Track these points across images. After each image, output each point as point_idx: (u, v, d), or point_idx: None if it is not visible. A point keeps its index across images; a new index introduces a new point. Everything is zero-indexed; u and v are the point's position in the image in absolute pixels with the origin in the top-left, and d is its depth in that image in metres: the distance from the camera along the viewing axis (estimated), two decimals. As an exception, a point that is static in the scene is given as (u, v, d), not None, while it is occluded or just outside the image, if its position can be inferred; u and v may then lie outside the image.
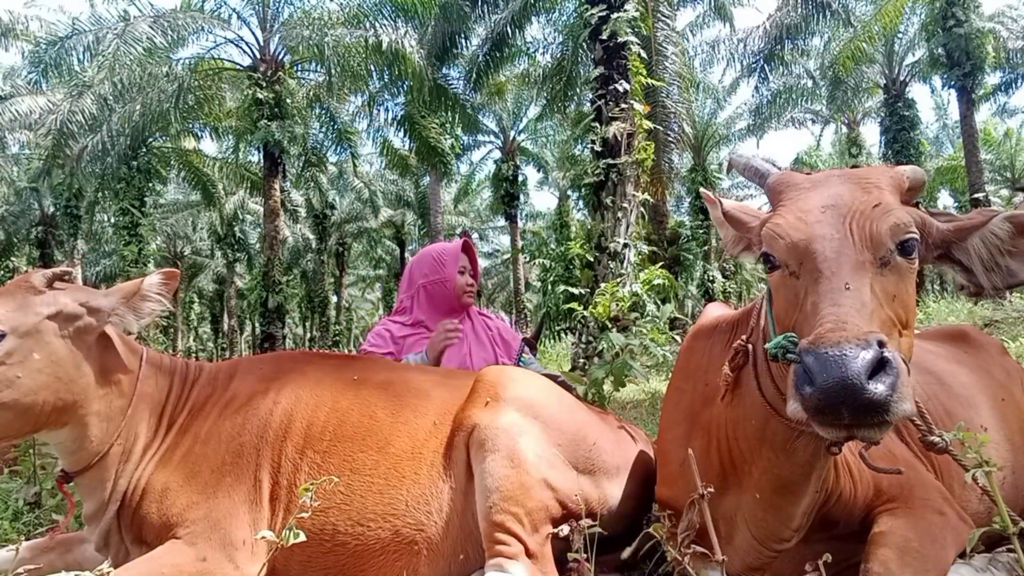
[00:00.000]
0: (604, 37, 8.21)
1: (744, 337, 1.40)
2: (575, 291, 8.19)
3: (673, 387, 1.73)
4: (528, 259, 24.04)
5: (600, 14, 8.21)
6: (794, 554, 1.44)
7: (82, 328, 1.53)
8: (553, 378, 2.66)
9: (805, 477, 1.33)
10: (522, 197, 23.30)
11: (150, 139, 15.04)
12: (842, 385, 0.90)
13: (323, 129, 16.41)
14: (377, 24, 12.22)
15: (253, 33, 13.57)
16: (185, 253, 28.62)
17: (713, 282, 20.05)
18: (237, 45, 13.63)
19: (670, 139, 12.07)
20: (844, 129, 22.19)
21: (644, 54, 8.70)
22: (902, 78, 17.45)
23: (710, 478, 1.41)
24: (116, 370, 1.60)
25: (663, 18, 11.59)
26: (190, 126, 15.69)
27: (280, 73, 13.39)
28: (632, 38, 8.23)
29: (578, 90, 12.67)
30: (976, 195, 14.81)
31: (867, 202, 1.12)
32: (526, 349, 2.92)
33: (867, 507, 1.45)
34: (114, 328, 1.62)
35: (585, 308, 5.81)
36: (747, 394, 1.37)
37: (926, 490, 1.45)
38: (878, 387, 0.91)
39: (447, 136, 16.00)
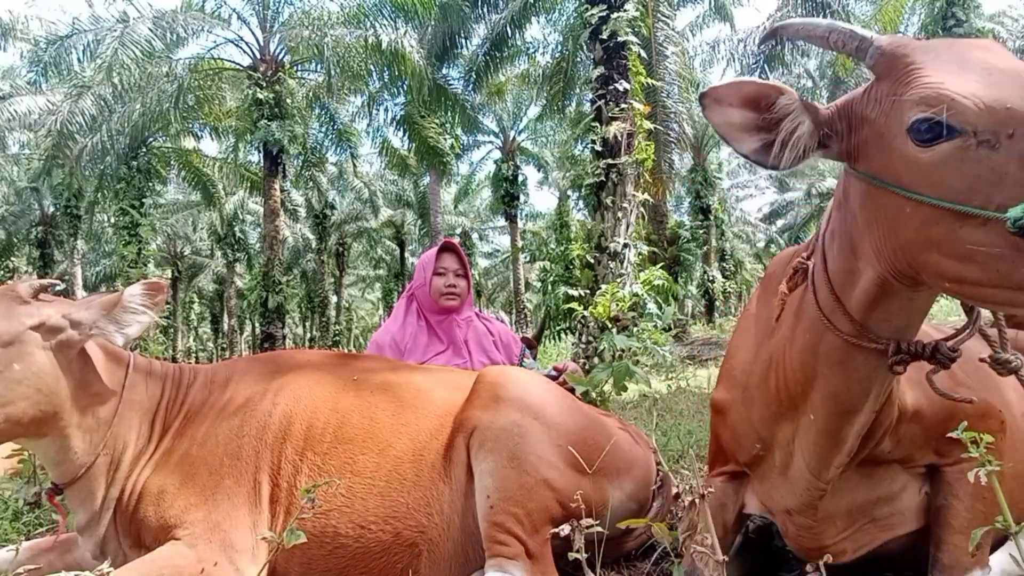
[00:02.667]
0: (604, 37, 8.22)
1: (804, 255, 1.28)
2: (575, 291, 8.19)
3: (749, 311, 1.65)
4: (528, 259, 24.04)
5: (600, 14, 8.21)
6: (841, 497, 1.40)
7: (64, 341, 1.51)
8: (556, 376, 2.67)
9: (862, 395, 1.23)
10: (522, 197, 23.31)
11: (150, 139, 15.07)
12: None
13: (323, 129, 16.44)
14: (377, 24, 12.23)
15: (253, 33, 13.59)
16: (185, 253, 28.63)
17: (713, 282, 20.07)
18: (237, 45, 13.66)
19: (670, 139, 12.08)
20: (844, 129, 22.15)
21: (644, 54, 8.72)
22: (902, 78, 17.43)
23: (769, 405, 1.38)
24: (98, 381, 1.57)
25: (663, 18, 11.61)
26: (190, 126, 15.72)
27: (280, 73, 13.40)
28: (632, 38, 8.24)
29: (578, 90, 12.70)
30: (976, 195, 14.80)
31: None
32: (527, 352, 2.92)
33: (938, 430, 1.36)
34: (95, 340, 1.59)
35: (585, 308, 5.81)
36: (804, 311, 1.27)
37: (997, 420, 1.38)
38: None
39: (447, 136, 16.02)
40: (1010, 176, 0.90)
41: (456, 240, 2.91)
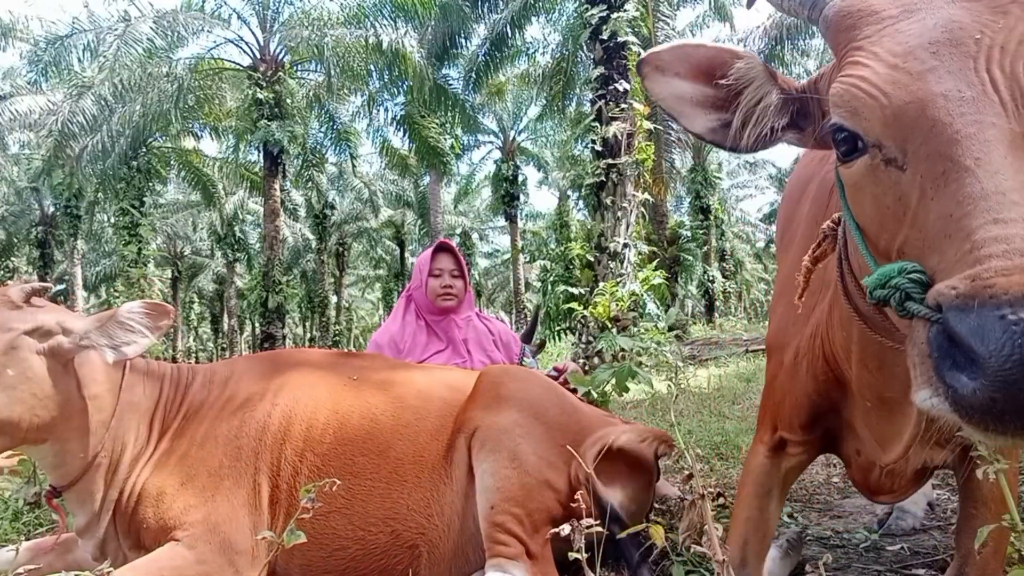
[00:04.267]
0: (604, 37, 8.21)
1: (835, 217, 0.99)
2: (575, 291, 8.19)
3: (790, 209, 1.37)
4: (528, 259, 24.04)
5: (600, 14, 8.21)
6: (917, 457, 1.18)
7: (55, 347, 1.49)
8: (556, 376, 2.67)
9: (908, 398, 1.00)
10: (522, 197, 23.30)
11: (150, 139, 15.04)
12: None
13: (323, 129, 16.42)
14: (377, 24, 12.23)
15: (253, 33, 13.59)
16: (185, 253, 28.61)
17: (713, 282, 20.04)
18: (237, 45, 13.65)
19: (670, 139, 12.08)
20: (844, 129, 22.14)
21: (644, 54, 8.70)
22: (902, 78, 17.43)
23: (816, 369, 1.18)
24: (95, 384, 1.56)
25: (663, 18, 11.61)
26: (190, 126, 15.70)
27: (280, 73, 13.39)
28: (632, 38, 8.24)
29: (578, 90, 12.69)
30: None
31: (1009, 29, 0.69)
32: (527, 352, 2.91)
33: None
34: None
35: (585, 308, 5.81)
36: (835, 294, 1.02)
37: None
38: None
39: (447, 136, 16.01)
40: (908, 208, 0.68)
41: (452, 240, 2.91)
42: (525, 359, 2.86)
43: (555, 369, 2.80)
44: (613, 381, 2.74)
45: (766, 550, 1.38)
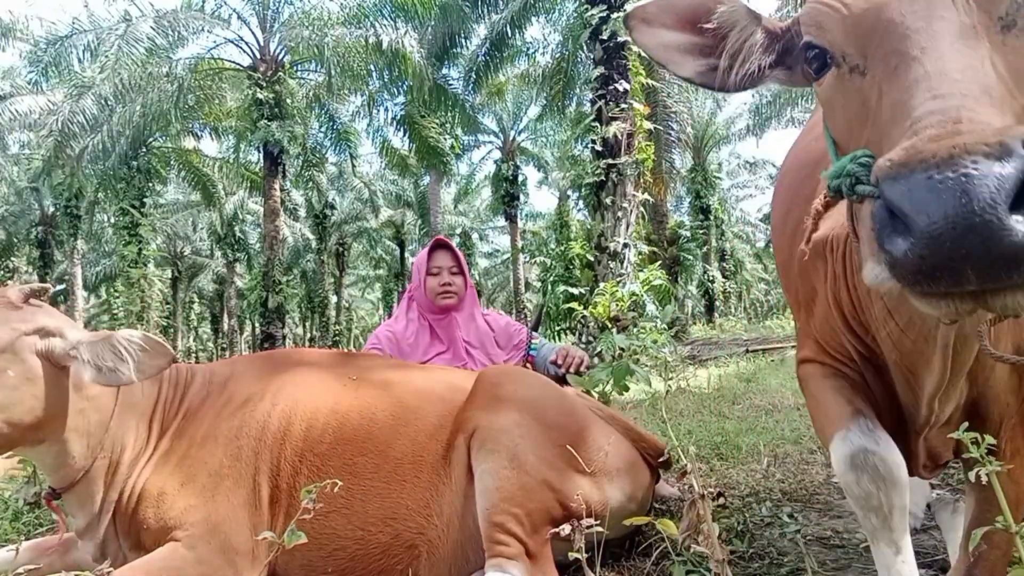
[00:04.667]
0: (604, 37, 8.22)
1: None
2: (575, 291, 8.19)
3: (794, 170, 1.38)
4: (528, 259, 24.05)
5: (600, 14, 8.21)
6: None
7: (53, 349, 1.48)
8: (557, 368, 2.66)
9: (928, 348, 0.98)
10: (522, 197, 23.31)
11: (150, 139, 15.05)
12: (966, 226, 0.54)
13: (323, 129, 16.44)
14: (377, 24, 12.23)
15: (253, 33, 13.59)
16: (185, 253, 28.63)
17: (713, 282, 20.06)
18: (237, 45, 13.66)
19: (670, 139, 12.08)
20: (844, 129, 22.16)
21: (644, 54, 8.71)
22: (902, 78, 17.42)
23: (842, 311, 1.15)
24: (93, 385, 1.54)
25: (663, 18, 11.59)
26: (190, 126, 15.71)
27: (280, 73, 13.40)
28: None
29: (578, 90, 12.69)
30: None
31: None
32: (534, 335, 2.89)
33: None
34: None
35: (585, 308, 5.81)
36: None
37: None
38: None
39: (447, 136, 16.02)
40: (870, 109, 0.72)
41: (449, 238, 2.91)
42: (534, 342, 2.82)
43: (556, 361, 2.78)
44: (611, 380, 2.74)
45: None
